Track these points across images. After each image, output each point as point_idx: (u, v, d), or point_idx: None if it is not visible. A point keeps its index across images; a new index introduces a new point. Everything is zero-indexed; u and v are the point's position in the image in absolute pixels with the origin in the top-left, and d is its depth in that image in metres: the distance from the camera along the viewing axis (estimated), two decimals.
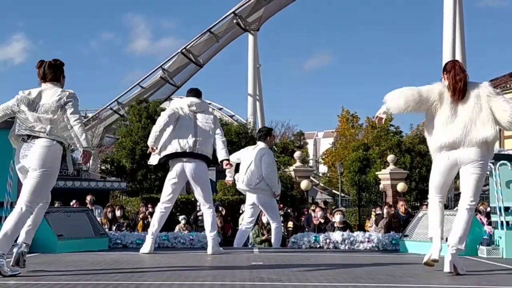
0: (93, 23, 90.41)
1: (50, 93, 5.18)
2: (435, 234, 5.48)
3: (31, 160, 5.05)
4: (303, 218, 14.53)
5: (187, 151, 7.08)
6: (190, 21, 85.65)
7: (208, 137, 7.24)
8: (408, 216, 10.89)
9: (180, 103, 7.44)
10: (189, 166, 7.13)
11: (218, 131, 7.37)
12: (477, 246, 7.33)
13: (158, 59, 33.53)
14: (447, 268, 5.21)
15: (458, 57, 26.89)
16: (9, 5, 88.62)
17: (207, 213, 7.21)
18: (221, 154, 7.29)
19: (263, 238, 9.93)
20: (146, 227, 12.64)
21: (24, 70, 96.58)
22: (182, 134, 7.12)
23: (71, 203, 13.17)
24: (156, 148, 7.11)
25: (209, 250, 7.09)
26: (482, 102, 5.32)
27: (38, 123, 5.11)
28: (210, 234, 7.12)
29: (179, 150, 7.10)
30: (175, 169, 7.19)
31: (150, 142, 7.10)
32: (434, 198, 5.67)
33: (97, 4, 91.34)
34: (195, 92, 7.55)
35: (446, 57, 25.71)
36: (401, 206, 11.35)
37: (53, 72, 5.27)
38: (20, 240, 5.15)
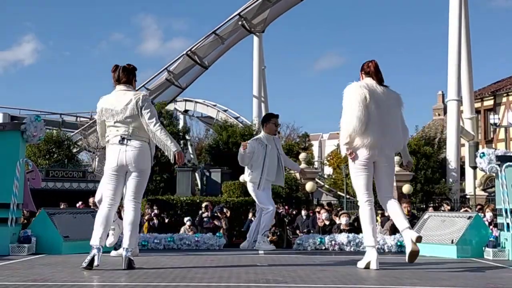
0: (104, 24, 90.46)
1: (126, 96, 5.66)
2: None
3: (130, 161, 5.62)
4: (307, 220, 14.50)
5: None
6: (201, 21, 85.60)
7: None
8: (412, 218, 10.85)
9: None
10: None
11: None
12: (483, 248, 7.31)
13: (169, 60, 33.64)
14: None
15: (463, 58, 26.83)
16: (20, 5, 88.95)
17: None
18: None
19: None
20: (151, 228, 12.66)
21: (35, 71, 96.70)
22: None
23: (77, 205, 13.19)
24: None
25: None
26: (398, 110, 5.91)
27: (121, 126, 5.63)
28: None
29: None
30: None
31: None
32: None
33: (108, 5, 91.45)
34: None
35: (452, 60, 25.64)
36: (404, 208, 11.31)
37: (127, 75, 5.78)
38: (125, 244, 5.58)
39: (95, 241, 5.54)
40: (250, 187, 8.54)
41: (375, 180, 5.99)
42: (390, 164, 6.00)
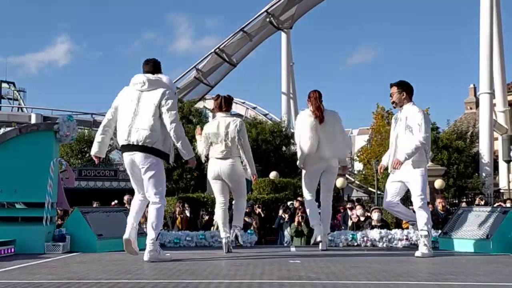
0: (137, 23, 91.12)
1: (226, 122, 6.94)
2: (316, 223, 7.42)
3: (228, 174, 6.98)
4: (339, 216, 14.42)
5: (124, 143, 6.16)
6: (233, 18, 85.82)
7: (149, 121, 6.06)
8: (446, 214, 10.71)
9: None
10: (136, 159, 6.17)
11: (167, 115, 6.09)
12: None
13: (199, 58, 33.60)
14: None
15: (495, 49, 26.36)
16: (54, 6, 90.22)
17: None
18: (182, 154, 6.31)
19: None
20: (184, 222, 12.68)
21: (69, 71, 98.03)
22: (121, 124, 6.22)
23: (112, 203, 13.30)
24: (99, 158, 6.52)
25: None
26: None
27: (224, 148, 6.92)
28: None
29: (118, 144, 6.32)
30: (125, 162, 6.40)
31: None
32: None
33: (141, 5, 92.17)
34: (149, 66, 6.33)
35: (484, 52, 25.22)
36: (439, 203, 11.16)
37: (227, 105, 7.08)
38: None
39: (220, 234, 7.06)
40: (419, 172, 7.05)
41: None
42: (329, 172, 7.42)
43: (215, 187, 7.12)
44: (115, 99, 6.37)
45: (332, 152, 7.25)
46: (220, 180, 7.04)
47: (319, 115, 7.20)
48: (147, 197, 6.26)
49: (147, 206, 6.39)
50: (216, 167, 7.00)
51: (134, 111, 6.11)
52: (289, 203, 14.50)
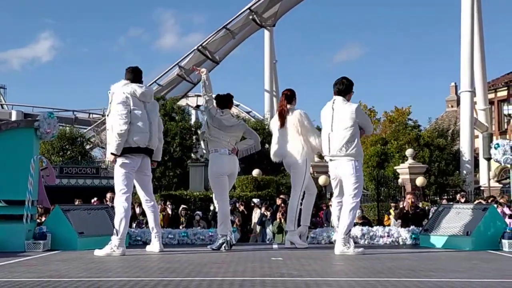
0: (122, 19, 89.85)
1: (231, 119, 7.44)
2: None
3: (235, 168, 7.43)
4: (321, 214, 14.47)
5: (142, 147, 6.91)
6: (219, 15, 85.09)
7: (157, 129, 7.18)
8: (415, 209, 10.69)
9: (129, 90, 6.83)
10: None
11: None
12: (499, 239, 7.25)
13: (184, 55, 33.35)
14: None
15: (476, 48, 26.59)
16: (38, 1, 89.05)
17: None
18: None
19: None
20: (166, 220, 12.66)
21: (52, 68, 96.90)
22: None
23: (92, 201, 13.22)
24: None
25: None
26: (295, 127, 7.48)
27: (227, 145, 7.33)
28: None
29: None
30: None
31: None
32: None
33: (127, 0, 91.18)
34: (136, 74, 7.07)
35: (465, 51, 25.44)
36: (409, 199, 11.13)
37: (218, 102, 7.58)
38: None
39: (221, 231, 7.24)
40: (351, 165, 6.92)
41: None
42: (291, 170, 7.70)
43: (224, 182, 7.29)
44: None
45: (284, 150, 7.59)
46: (226, 175, 7.30)
47: (280, 116, 7.69)
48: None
49: (150, 207, 7.54)
50: (224, 162, 7.25)
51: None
52: (255, 200, 14.55)
